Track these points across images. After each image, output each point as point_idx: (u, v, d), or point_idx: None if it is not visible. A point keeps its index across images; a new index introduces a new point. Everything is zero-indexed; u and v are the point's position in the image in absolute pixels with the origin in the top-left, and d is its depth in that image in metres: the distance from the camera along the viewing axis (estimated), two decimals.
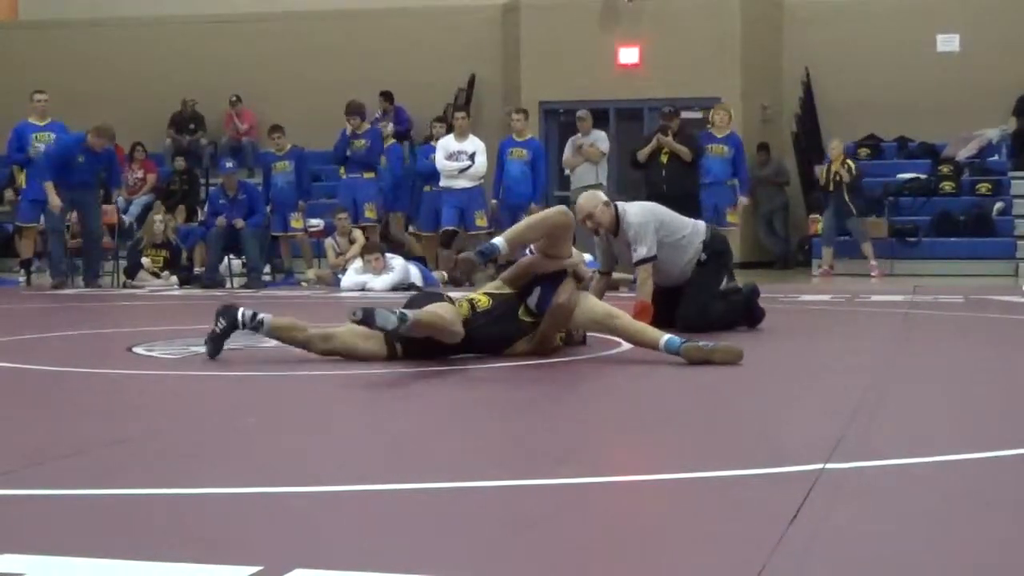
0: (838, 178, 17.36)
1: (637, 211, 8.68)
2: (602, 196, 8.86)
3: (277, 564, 2.77)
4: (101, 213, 15.49)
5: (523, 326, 6.94)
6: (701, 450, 4.40)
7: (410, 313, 6.31)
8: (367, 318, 6.12)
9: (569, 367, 6.82)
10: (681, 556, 2.96)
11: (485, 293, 6.99)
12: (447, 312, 6.60)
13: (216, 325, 6.92)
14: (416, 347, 6.66)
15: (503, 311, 6.90)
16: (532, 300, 6.92)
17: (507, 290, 6.99)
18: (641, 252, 8.50)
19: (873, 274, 17.22)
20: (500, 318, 6.88)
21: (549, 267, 6.99)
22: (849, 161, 17.71)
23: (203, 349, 6.93)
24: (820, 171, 17.84)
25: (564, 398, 5.97)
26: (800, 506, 3.34)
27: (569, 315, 6.98)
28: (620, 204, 8.72)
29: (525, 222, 7.11)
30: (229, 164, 16.04)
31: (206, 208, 17.33)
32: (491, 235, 16.52)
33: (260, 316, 6.84)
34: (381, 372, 6.35)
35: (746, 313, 8.77)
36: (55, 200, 14.90)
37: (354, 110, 16.46)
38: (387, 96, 20.57)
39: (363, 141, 16.34)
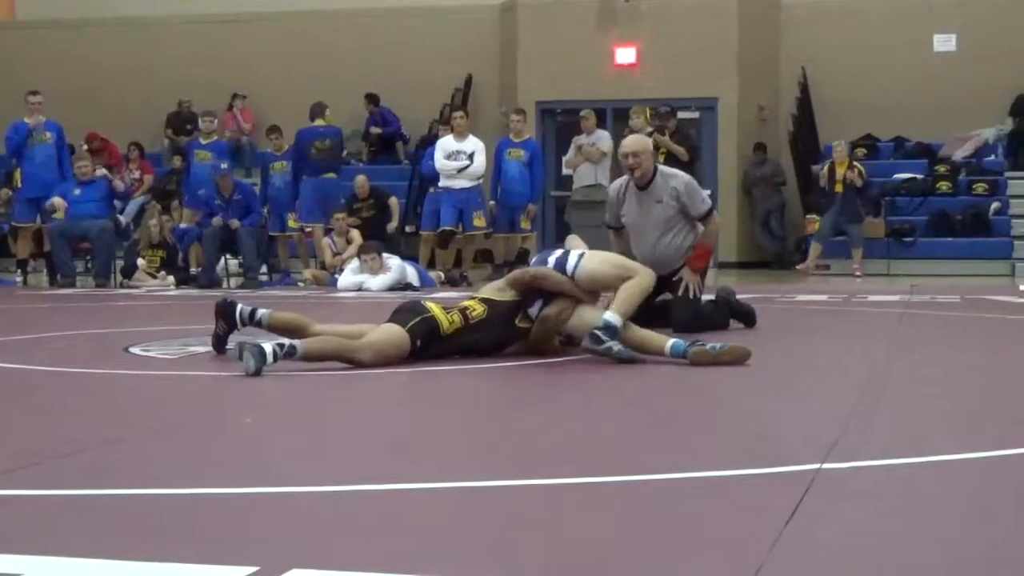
0: (849, 181, 17.31)
1: (679, 171, 9.07)
2: (652, 146, 9.09)
3: (273, 564, 2.77)
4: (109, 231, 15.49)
5: (519, 332, 6.94)
6: (698, 450, 4.40)
7: (299, 345, 6.27)
8: (240, 355, 6.13)
9: (566, 367, 6.82)
10: (679, 555, 2.97)
11: (481, 299, 6.94)
12: (385, 339, 6.52)
13: (217, 327, 6.95)
14: (426, 347, 6.65)
15: (498, 319, 6.87)
16: (533, 310, 6.91)
17: (508, 295, 6.96)
18: (706, 204, 8.73)
19: (857, 274, 17.26)
20: (495, 325, 6.86)
21: (572, 294, 6.98)
22: (858, 164, 17.66)
23: (200, 349, 6.95)
24: (822, 172, 17.73)
25: (561, 398, 5.97)
26: (797, 506, 3.35)
27: (556, 329, 6.98)
28: (658, 165, 8.97)
29: (630, 293, 6.95)
30: (223, 165, 16.01)
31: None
32: (488, 236, 16.59)
33: (259, 315, 6.85)
34: (376, 372, 6.35)
35: (736, 313, 8.80)
36: (60, 202, 15.05)
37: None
38: (371, 98, 20.61)
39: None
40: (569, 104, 19.06)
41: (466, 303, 6.93)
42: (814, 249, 17.65)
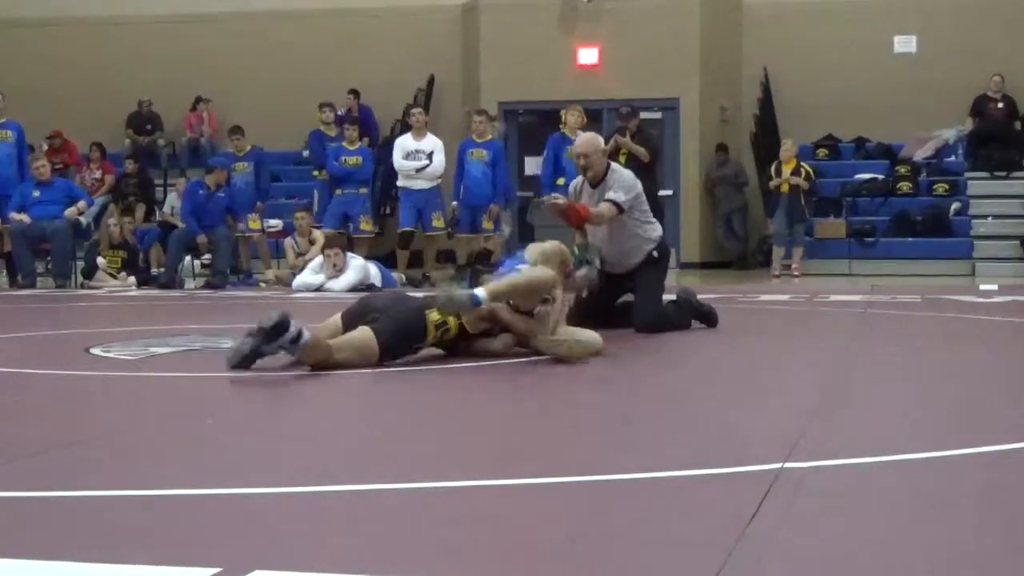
0: (794, 183, 17.29)
1: (630, 172, 8.90)
2: (603, 144, 8.92)
3: (237, 565, 2.76)
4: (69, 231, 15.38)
5: (474, 336, 7.00)
6: (659, 450, 4.41)
7: (305, 334, 6.14)
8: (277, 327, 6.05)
9: (525, 369, 6.81)
10: (640, 556, 2.97)
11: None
12: (356, 344, 6.48)
13: (247, 343, 6.26)
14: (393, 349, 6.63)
15: (463, 337, 6.93)
16: None
17: (481, 326, 6.97)
18: (619, 196, 8.48)
19: (796, 273, 17.27)
20: (459, 339, 6.91)
21: (515, 323, 6.98)
22: (805, 165, 17.64)
23: (161, 350, 6.90)
24: (772, 170, 17.73)
25: (521, 399, 5.97)
26: (759, 506, 3.35)
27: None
28: (612, 163, 8.89)
29: (513, 283, 6.88)
30: (220, 157, 15.90)
31: (182, 206, 16.89)
32: (450, 236, 16.57)
33: (302, 339, 6.20)
34: (337, 373, 6.32)
35: (698, 314, 8.81)
36: (24, 217, 14.96)
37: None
38: (354, 93, 20.39)
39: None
40: (532, 104, 19.04)
41: (443, 317, 6.75)
42: (777, 252, 17.63)
